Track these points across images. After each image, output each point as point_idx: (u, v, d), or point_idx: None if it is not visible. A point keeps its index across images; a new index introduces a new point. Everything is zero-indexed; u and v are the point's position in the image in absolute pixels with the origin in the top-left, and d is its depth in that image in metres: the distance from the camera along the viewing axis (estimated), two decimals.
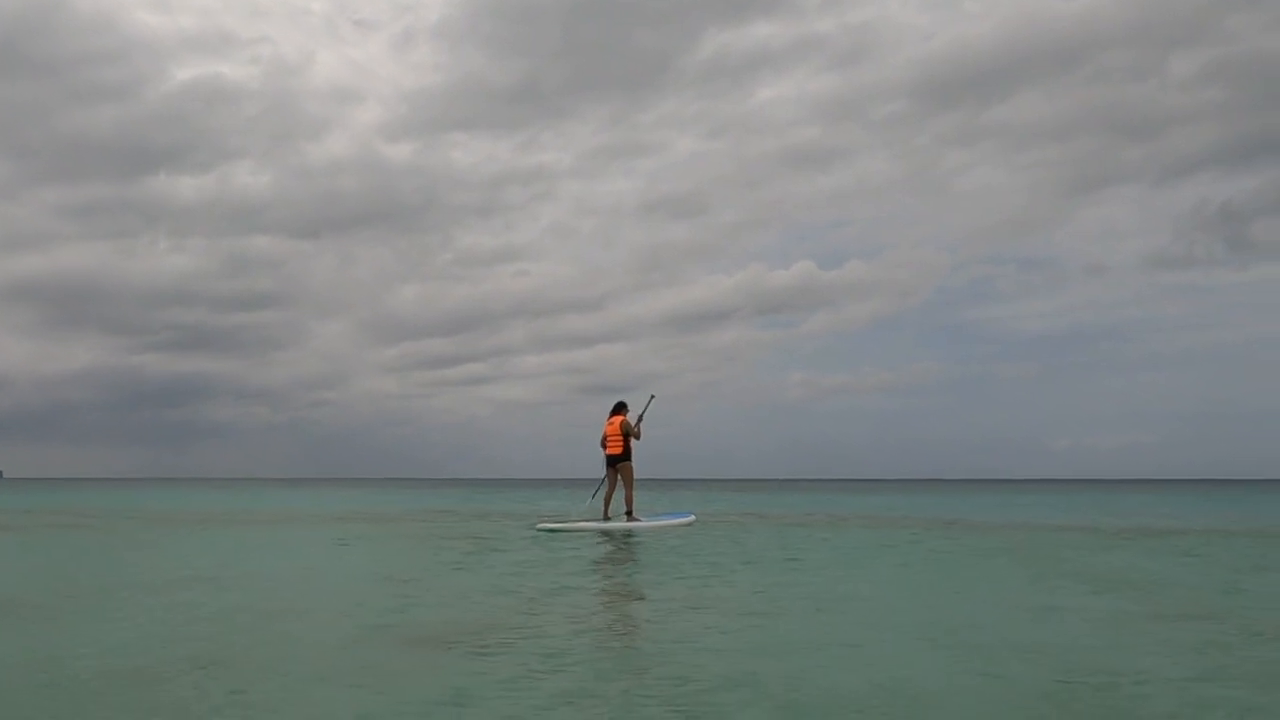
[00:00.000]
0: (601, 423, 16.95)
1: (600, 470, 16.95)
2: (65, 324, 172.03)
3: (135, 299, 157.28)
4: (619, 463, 16.56)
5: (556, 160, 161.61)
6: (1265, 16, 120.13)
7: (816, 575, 9.67)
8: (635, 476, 16.71)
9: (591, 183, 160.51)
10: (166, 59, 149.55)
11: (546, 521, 16.80)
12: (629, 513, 16.50)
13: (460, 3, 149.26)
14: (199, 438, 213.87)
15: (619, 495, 16.71)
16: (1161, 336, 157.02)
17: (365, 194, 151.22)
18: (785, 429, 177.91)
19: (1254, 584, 9.21)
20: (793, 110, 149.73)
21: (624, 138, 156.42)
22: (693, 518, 17.90)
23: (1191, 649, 5.69)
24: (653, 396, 16.92)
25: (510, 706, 4.31)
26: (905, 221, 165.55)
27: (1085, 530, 18.10)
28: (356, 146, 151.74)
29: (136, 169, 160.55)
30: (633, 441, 16.57)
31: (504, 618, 6.76)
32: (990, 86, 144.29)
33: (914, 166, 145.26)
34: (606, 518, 16.52)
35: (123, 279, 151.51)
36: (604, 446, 16.74)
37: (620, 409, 16.85)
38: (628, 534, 15.32)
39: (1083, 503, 36.30)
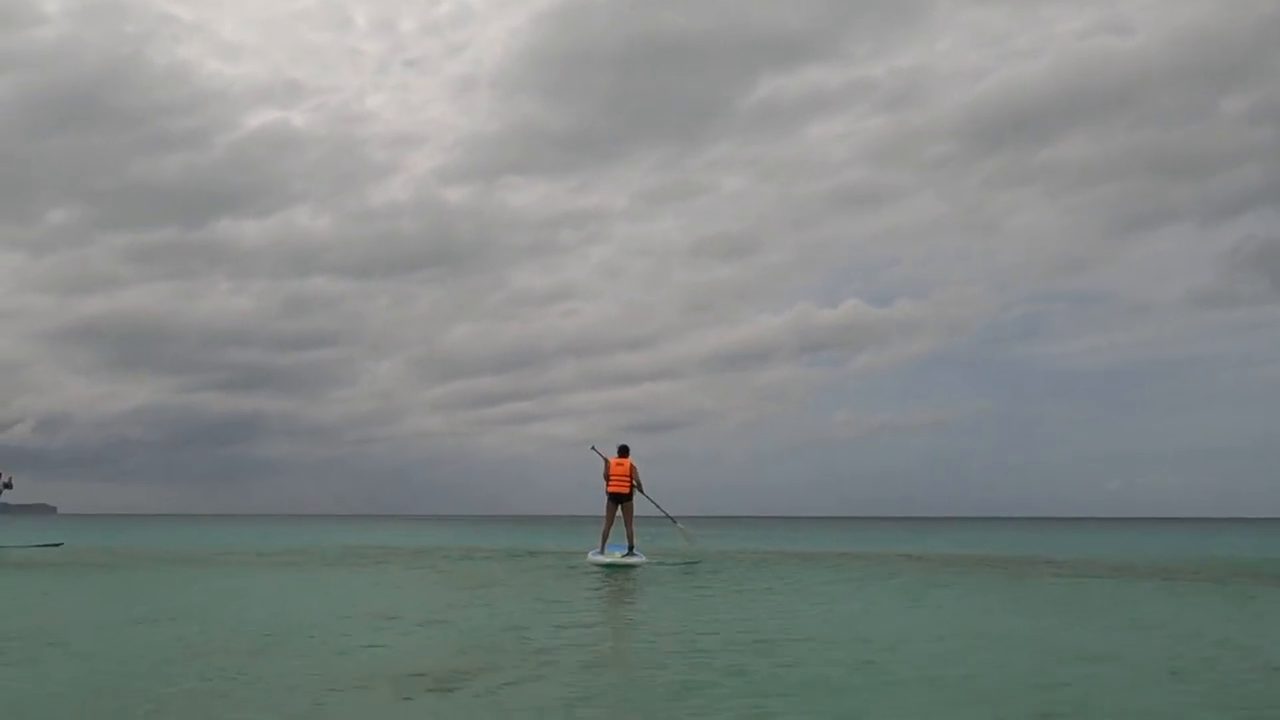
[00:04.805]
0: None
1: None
2: (127, 364, 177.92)
3: (195, 339, 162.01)
4: (624, 501, 18.10)
5: (609, 202, 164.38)
6: None
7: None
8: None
9: (642, 224, 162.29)
10: (237, 108, 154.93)
11: (598, 555, 18.05)
12: (631, 548, 17.97)
13: (516, 49, 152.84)
14: (251, 474, 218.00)
15: (618, 530, 18.17)
16: (1208, 373, 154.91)
17: (422, 236, 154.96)
18: (832, 466, 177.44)
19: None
20: (842, 151, 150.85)
21: (675, 180, 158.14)
22: (644, 558, 18.23)
23: None
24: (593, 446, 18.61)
25: None
26: (954, 260, 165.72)
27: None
28: (414, 189, 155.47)
29: (203, 214, 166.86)
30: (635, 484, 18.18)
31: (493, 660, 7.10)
32: (1039, 127, 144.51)
33: (963, 206, 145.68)
34: (604, 551, 18.10)
35: (184, 320, 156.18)
36: (607, 481, 18.16)
37: (624, 452, 18.46)
38: (630, 567, 17.07)
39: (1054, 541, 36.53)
